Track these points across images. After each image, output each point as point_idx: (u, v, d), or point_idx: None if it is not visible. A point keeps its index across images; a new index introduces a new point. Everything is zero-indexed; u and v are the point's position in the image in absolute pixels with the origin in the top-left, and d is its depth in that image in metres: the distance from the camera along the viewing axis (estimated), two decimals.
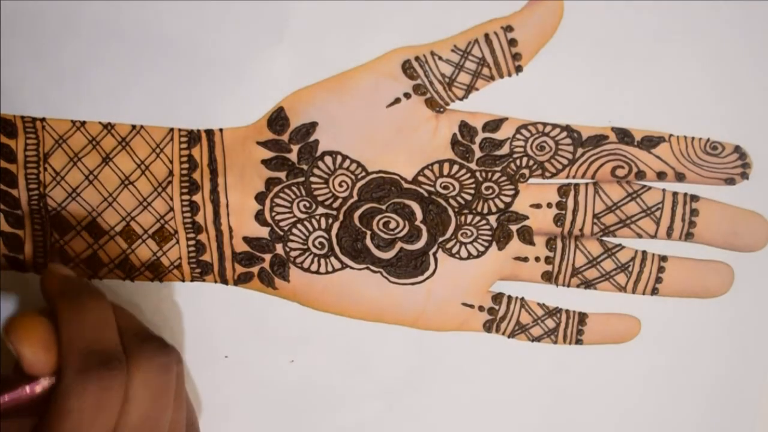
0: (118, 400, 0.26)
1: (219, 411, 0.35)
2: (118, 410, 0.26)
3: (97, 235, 0.32)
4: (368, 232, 0.33)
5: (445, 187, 0.33)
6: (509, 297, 0.34)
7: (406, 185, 0.33)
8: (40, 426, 0.26)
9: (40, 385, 0.27)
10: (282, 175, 0.32)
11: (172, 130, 0.32)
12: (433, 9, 0.31)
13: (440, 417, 0.35)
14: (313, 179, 0.32)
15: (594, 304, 0.34)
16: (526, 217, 0.33)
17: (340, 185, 0.33)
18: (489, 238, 0.33)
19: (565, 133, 0.32)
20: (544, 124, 0.32)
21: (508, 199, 0.33)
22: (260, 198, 0.33)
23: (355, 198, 0.33)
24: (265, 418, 0.35)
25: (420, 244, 0.33)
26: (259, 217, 0.33)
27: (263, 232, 0.33)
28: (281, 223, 0.33)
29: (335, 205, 0.33)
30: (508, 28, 0.31)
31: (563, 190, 0.33)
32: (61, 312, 0.27)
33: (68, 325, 0.27)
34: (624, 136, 0.32)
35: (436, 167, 0.32)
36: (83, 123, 0.32)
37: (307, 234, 0.33)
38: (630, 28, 0.31)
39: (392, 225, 0.33)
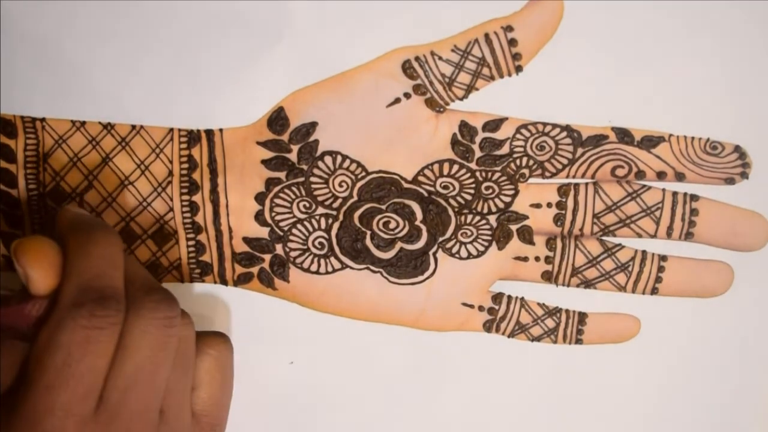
0: (110, 343, 0.25)
1: None
2: (110, 354, 0.25)
3: None
4: (368, 232, 0.33)
5: (445, 187, 0.33)
6: (509, 297, 0.34)
7: (406, 185, 0.33)
8: (31, 355, 0.25)
9: (43, 307, 0.26)
10: (282, 175, 0.32)
11: (171, 130, 0.32)
12: (433, 9, 0.31)
13: (440, 417, 0.35)
14: (313, 179, 0.32)
15: (594, 304, 0.34)
16: (526, 217, 0.33)
17: (340, 185, 0.33)
18: (489, 237, 0.33)
19: (565, 133, 0.32)
20: (544, 124, 0.32)
21: (508, 199, 0.33)
22: (260, 198, 0.33)
23: (355, 198, 0.33)
24: (265, 419, 0.35)
25: (420, 244, 0.33)
26: (259, 217, 0.33)
27: (263, 232, 0.33)
28: (281, 224, 0.33)
29: (335, 205, 0.33)
30: (508, 28, 0.31)
31: (563, 190, 0.33)
32: (68, 243, 0.27)
33: (73, 255, 0.26)
34: (624, 135, 0.32)
35: (436, 167, 0.32)
36: (83, 123, 0.31)
37: (306, 234, 0.33)
38: (630, 28, 0.31)
39: (392, 225, 0.33)
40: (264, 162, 0.32)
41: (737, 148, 0.32)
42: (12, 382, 0.26)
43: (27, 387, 0.25)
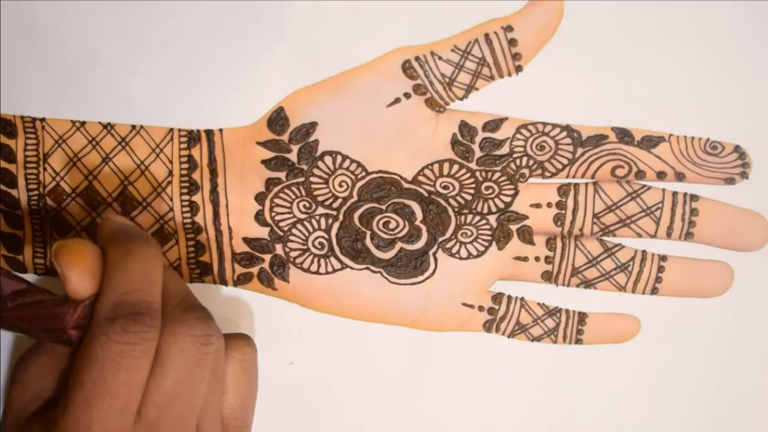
0: (145, 359, 0.25)
1: None
2: (145, 370, 0.25)
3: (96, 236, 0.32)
4: (368, 232, 0.33)
5: (445, 187, 0.33)
6: (509, 297, 0.34)
7: (406, 185, 0.33)
8: (72, 367, 0.25)
9: (82, 313, 0.26)
10: (282, 175, 0.32)
11: (171, 130, 0.32)
12: (433, 9, 0.31)
13: (440, 417, 0.35)
14: (312, 179, 0.32)
15: (594, 304, 0.34)
16: (526, 217, 0.33)
17: (340, 185, 0.33)
18: (489, 237, 0.33)
19: (564, 133, 0.32)
20: (544, 124, 0.32)
21: (508, 199, 0.33)
22: (260, 198, 0.33)
23: (355, 198, 0.33)
24: (265, 419, 0.35)
25: (420, 244, 0.33)
26: (259, 217, 0.33)
27: (263, 232, 0.33)
28: (281, 224, 0.33)
29: (335, 205, 0.33)
30: (508, 28, 0.31)
31: (563, 190, 0.33)
32: (108, 253, 0.27)
33: (111, 268, 0.26)
34: (624, 135, 0.32)
35: (436, 167, 0.32)
36: (83, 123, 0.31)
37: (306, 234, 0.33)
38: (630, 28, 0.31)
39: (392, 225, 0.33)
40: (264, 162, 0.32)
41: (737, 148, 0.32)
42: (53, 388, 0.27)
43: (67, 400, 0.25)
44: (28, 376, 0.27)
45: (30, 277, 0.33)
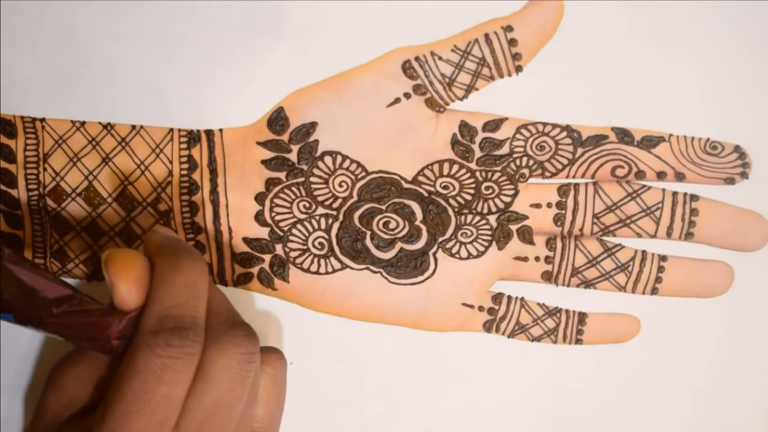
0: (187, 373, 0.25)
1: None
2: (186, 384, 0.25)
3: (96, 236, 0.32)
4: (368, 233, 0.33)
5: (445, 187, 0.33)
6: (509, 297, 0.34)
7: (406, 185, 0.33)
8: (113, 378, 0.25)
9: (127, 324, 0.26)
10: (282, 175, 0.32)
11: (171, 130, 0.32)
12: (433, 9, 0.31)
13: (440, 417, 0.35)
14: (312, 179, 0.32)
15: (594, 304, 0.34)
16: (525, 217, 0.33)
17: (340, 185, 0.33)
18: (489, 238, 0.33)
19: (564, 133, 0.32)
20: (544, 124, 0.32)
21: (508, 199, 0.33)
22: (260, 198, 0.33)
23: (355, 198, 0.33)
24: None
25: (420, 244, 0.33)
26: (259, 217, 0.33)
27: (263, 232, 0.33)
28: (281, 224, 0.33)
29: (335, 205, 0.33)
30: (508, 28, 0.31)
31: (563, 190, 0.33)
32: (156, 265, 0.27)
33: (156, 281, 0.26)
34: (624, 135, 0.32)
35: (436, 167, 0.32)
36: (83, 123, 0.32)
37: (306, 234, 0.33)
38: (630, 28, 0.31)
39: (392, 225, 0.33)
40: (264, 162, 0.32)
41: (737, 148, 0.32)
42: (90, 396, 0.27)
43: (106, 409, 0.25)
44: (65, 382, 0.27)
45: None
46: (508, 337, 0.34)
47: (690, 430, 0.36)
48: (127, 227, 0.32)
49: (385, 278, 0.33)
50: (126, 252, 0.27)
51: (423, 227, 0.33)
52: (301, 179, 0.32)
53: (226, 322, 0.27)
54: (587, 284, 0.34)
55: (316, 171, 0.32)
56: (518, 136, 0.32)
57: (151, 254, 0.27)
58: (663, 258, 0.33)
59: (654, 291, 0.34)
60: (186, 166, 0.32)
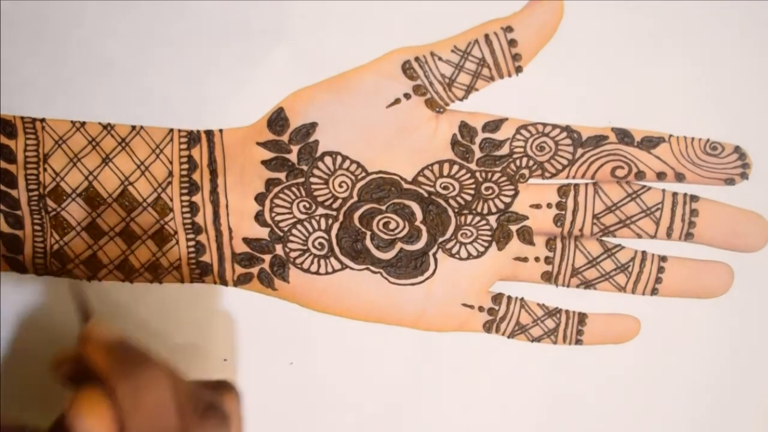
0: None
1: None
2: None
3: (96, 236, 0.32)
4: (368, 233, 0.33)
5: (445, 188, 0.33)
6: (509, 297, 0.34)
7: (406, 185, 0.33)
8: None
9: None
10: (282, 175, 0.32)
11: (171, 130, 0.32)
12: (433, 9, 0.31)
13: (440, 417, 0.35)
14: (312, 180, 0.32)
15: (594, 305, 0.34)
16: (525, 218, 0.33)
17: (340, 186, 0.33)
18: (489, 238, 0.33)
19: (564, 134, 0.32)
20: (544, 125, 0.32)
21: (507, 200, 0.33)
22: (260, 199, 0.33)
23: (355, 198, 0.33)
24: (265, 420, 0.35)
25: (420, 244, 0.33)
26: (259, 217, 0.33)
27: (263, 232, 0.33)
28: (281, 224, 0.33)
29: (335, 205, 0.33)
30: (508, 29, 0.31)
31: (563, 191, 0.33)
32: (116, 389, 0.25)
33: (126, 406, 0.25)
34: (624, 136, 0.32)
35: (436, 167, 0.32)
36: (83, 123, 0.32)
37: (306, 235, 0.33)
38: (630, 28, 0.31)
39: (392, 225, 0.33)
40: (264, 162, 0.32)
41: (737, 149, 0.32)
42: None
43: None
44: None
45: (30, 277, 0.33)
46: (508, 337, 0.34)
47: (690, 430, 0.36)
48: (127, 227, 0.32)
49: (385, 278, 0.33)
50: (92, 397, 0.25)
51: (423, 227, 0.33)
52: (301, 179, 0.32)
53: (196, 412, 0.27)
54: (587, 285, 0.34)
55: (316, 171, 0.32)
56: (518, 136, 0.32)
57: (105, 373, 0.26)
58: (663, 258, 0.33)
59: (654, 291, 0.34)
60: (186, 166, 0.32)
